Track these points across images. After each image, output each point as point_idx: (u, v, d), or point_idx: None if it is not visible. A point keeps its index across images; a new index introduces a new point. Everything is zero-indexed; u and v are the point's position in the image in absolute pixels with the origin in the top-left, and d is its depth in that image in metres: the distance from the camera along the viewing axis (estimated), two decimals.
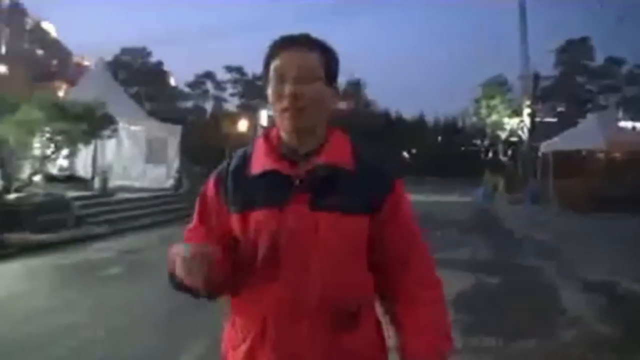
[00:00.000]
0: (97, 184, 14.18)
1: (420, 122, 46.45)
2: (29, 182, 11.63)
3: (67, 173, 14.85)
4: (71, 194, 11.87)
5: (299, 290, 1.20)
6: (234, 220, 1.26)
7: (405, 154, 41.97)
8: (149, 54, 49.49)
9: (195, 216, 1.35)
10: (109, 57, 40.67)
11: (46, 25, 54.17)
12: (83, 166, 15.96)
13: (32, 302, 5.54)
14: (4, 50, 38.02)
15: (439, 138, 43.63)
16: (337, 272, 1.22)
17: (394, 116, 46.20)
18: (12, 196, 10.00)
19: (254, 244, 1.23)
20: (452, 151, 39.25)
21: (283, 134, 1.27)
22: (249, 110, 33.83)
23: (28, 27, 45.43)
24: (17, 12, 34.54)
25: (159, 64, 49.53)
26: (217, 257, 1.16)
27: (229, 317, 1.34)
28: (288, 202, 1.20)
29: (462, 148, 40.18)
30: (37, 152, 12.38)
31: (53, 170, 14.10)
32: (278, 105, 1.22)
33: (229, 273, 1.24)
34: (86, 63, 48.57)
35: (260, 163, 1.25)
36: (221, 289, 1.26)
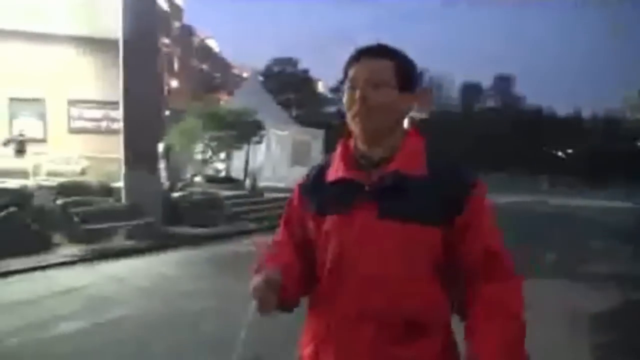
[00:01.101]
0: (248, 184, 15.51)
1: (575, 119, 42.31)
2: (191, 182, 13.23)
3: (223, 174, 16.45)
4: (225, 193, 13.16)
5: (361, 298, 1.21)
6: (311, 225, 1.32)
7: (560, 153, 38.54)
8: (296, 63, 52.63)
9: (281, 221, 1.44)
10: (262, 67, 44.02)
11: (210, 42, 60.35)
12: (237, 168, 17.57)
13: (183, 287, 6.41)
14: (176, 67, 43.06)
15: (598, 136, 39.25)
16: (401, 282, 1.20)
17: (545, 113, 42.72)
18: (175, 195, 11.45)
19: (325, 248, 1.27)
20: (613, 150, 35.04)
21: (358, 143, 1.30)
22: None
23: (195, 45, 51.09)
24: (186, 32, 39.22)
25: (306, 71, 52.29)
26: (287, 278, 1.24)
27: (306, 319, 1.38)
28: (356, 209, 1.23)
29: (626, 146, 35.63)
30: (197, 156, 14.03)
31: (211, 171, 15.75)
32: (350, 111, 1.26)
33: (302, 285, 1.31)
34: (244, 74, 52.73)
35: (334, 171, 1.30)
36: (297, 300, 1.33)
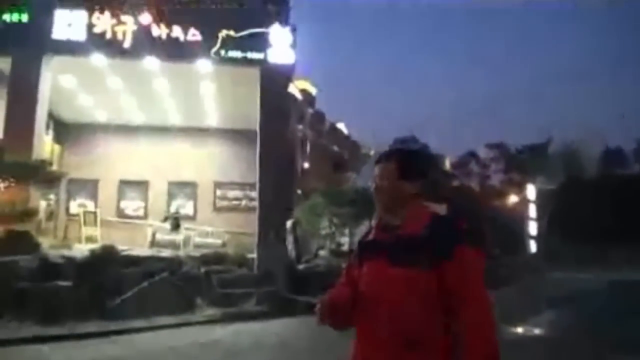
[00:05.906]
0: None
1: None
2: (316, 255, 14.22)
3: (345, 248, 17.27)
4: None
5: (376, 322, 1.74)
6: (356, 271, 1.91)
7: None
8: (417, 140, 53.82)
9: (344, 270, 2.03)
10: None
11: (340, 125, 64.08)
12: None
13: (304, 344, 7.17)
14: (308, 149, 46.05)
15: None
16: (402, 310, 1.70)
17: None
18: (301, 266, 12.44)
19: (361, 287, 1.84)
20: None
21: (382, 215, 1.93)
22: (514, 185, 32.85)
23: (326, 128, 54.77)
24: (317, 118, 42.35)
25: (425, 146, 52.88)
26: (343, 305, 1.81)
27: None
28: (378, 259, 1.80)
29: None
30: (322, 231, 15.10)
31: (334, 246, 16.68)
32: (374, 196, 1.93)
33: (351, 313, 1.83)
34: (372, 153, 54.56)
35: (372, 234, 1.92)
36: (347, 324, 1.87)
